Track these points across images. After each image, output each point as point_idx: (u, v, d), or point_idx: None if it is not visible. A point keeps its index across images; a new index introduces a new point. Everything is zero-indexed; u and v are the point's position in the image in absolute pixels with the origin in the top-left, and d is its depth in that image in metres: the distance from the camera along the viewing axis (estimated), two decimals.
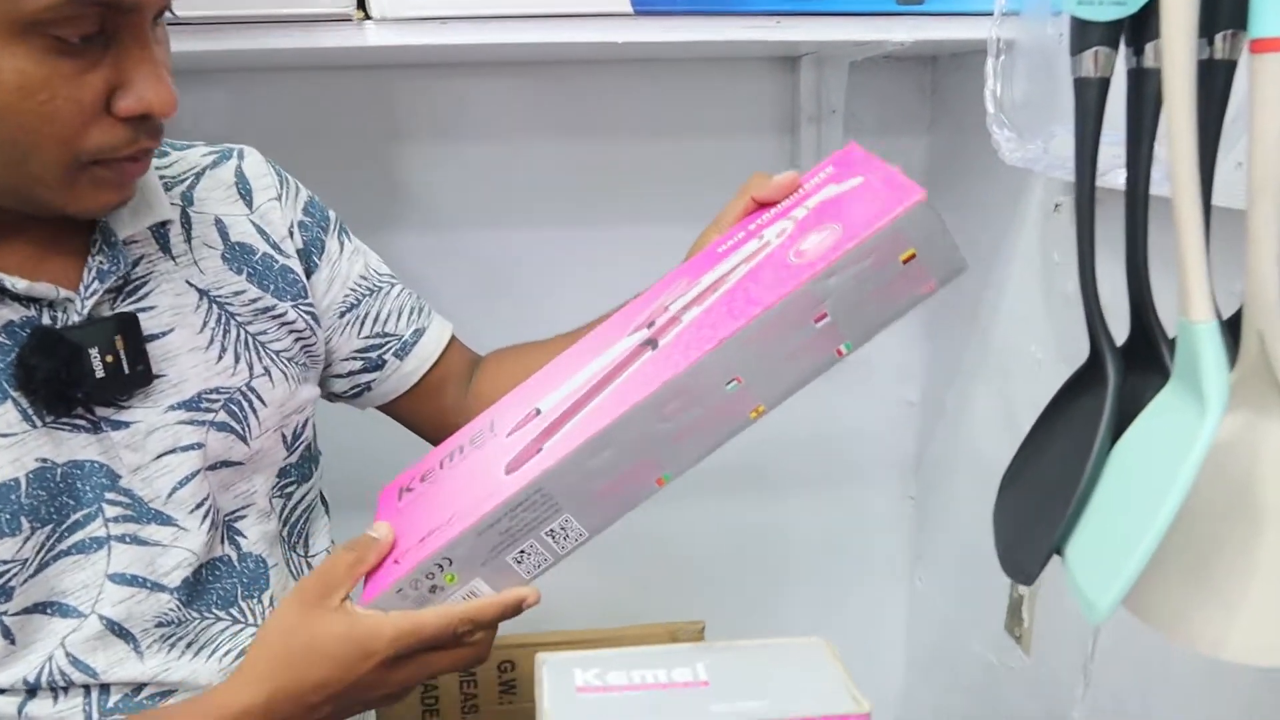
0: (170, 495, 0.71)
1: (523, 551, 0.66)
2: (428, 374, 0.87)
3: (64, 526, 0.68)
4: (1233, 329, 0.53)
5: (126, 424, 0.69)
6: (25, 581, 0.66)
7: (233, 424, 0.74)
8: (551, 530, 0.66)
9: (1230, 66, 0.53)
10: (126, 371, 0.68)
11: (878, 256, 0.62)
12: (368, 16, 0.90)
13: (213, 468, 0.74)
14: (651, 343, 0.66)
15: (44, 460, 0.66)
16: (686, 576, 1.39)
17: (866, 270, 0.62)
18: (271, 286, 0.77)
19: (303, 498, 0.82)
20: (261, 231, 0.78)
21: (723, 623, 1.37)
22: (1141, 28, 0.54)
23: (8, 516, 0.65)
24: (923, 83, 1.28)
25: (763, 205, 0.74)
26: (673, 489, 1.34)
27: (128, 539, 0.70)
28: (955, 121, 1.25)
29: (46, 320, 0.66)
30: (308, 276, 0.81)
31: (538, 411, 0.69)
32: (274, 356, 0.77)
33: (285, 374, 0.78)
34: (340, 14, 0.90)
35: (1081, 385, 0.61)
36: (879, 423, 1.38)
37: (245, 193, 0.79)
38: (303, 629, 0.65)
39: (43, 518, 0.66)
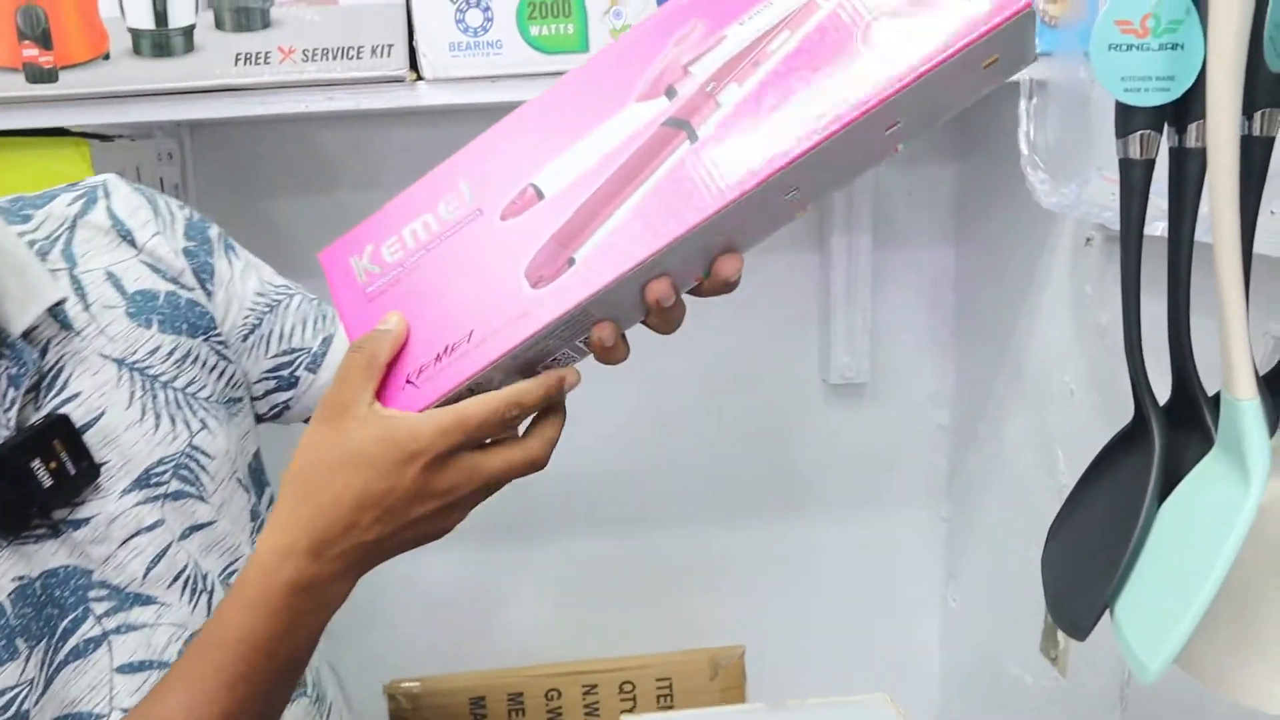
0: (146, 575, 0.70)
1: (555, 359, 0.62)
2: None
3: (57, 636, 0.67)
4: (1270, 384, 0.56)
5: (86, 520, 0.68)
6: (39, 701, 0.65)
7: (186, 489, 0.72)
8: (587, 338, 0.61)
9: (1268, 143, 0.55)
10: (73, 473, 0.66)
11: (964, 65, 0.55)
12: (420, 78, 0.94)
13: (184, 536, 0.72)
14: (684, 126, 0.58)
15: (20, 578, 0.65)
16: (725, 602, 1.42)
17: (947, 77, 0.55)
18: (184, 326, 0.74)
19: None
20: (156, 270, 0.74)
21: (762, 646, 1.40)
22: (1184, 109, 0.56)
23: (3, 643, 0.63)
24: None
25: None
26: (710, 515, 1.38)
27: (123, 629, 0.69)
28: (986, 150, 1.28)
29: None
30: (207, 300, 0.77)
31: (538, 193, 0.60)
32: (206, 405, 0.74)
33: (219, 419, 0.75)
34: (394, 76, 0.93)
35: (1127, 444, 0.64)
36: (912, 445, 1.40)
37: (125, 235, 0.73)
38: (333, 443, 0.58)
39: (35, 634, 0.65)
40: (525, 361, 0.60)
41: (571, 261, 0.57)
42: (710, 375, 1.34)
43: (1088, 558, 0.63)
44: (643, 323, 0.61)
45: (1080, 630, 0.59)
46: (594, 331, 0.59)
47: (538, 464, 0.61)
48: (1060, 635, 1.16)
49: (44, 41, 0.92)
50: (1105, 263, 1.03)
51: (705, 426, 1.35)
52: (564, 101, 0.60)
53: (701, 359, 1.31)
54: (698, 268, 0.60)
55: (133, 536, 0.69)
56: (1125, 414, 1.01)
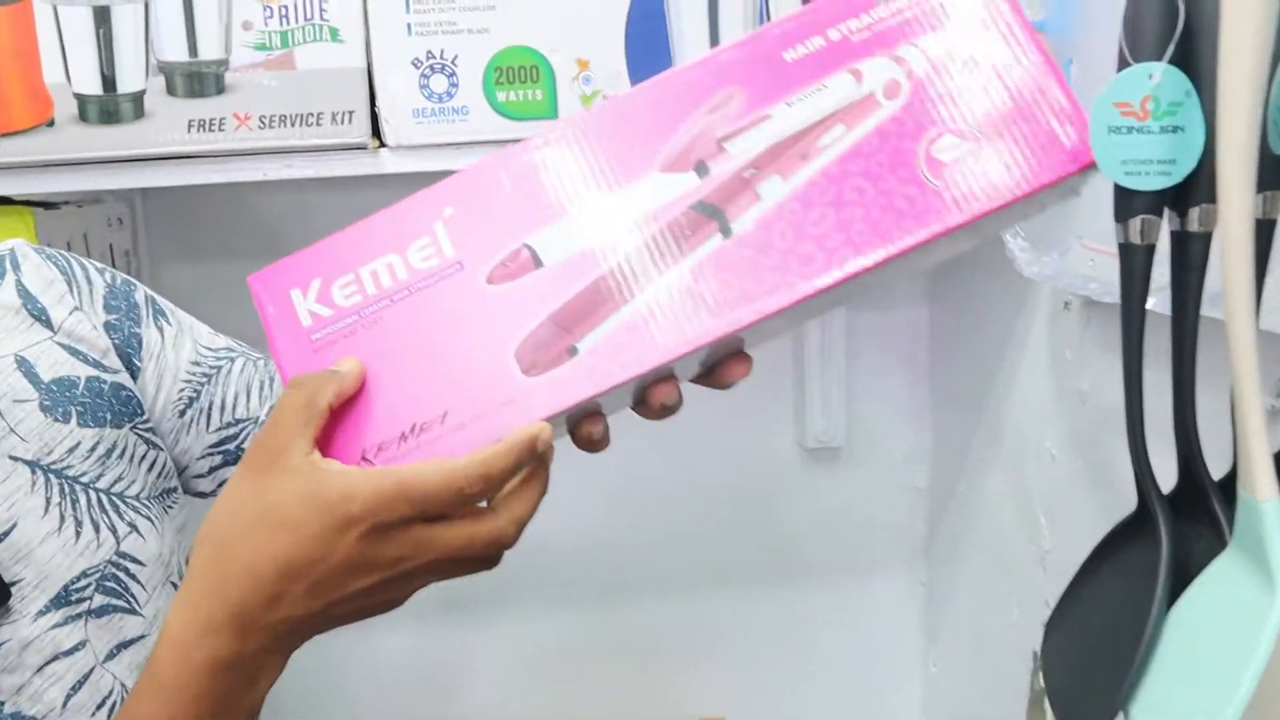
0: (66, 704, 0.62)
1: None
2: None
3: None
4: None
5: None
6: None
7: (114, 602, 0.64)
8: (573, 428, 0.55)
9: (1271, 225, 0.53)
10: None
11: (1027, 202, 0.53)
12: (383, 144, 0.91)
13: (110, 656, 0.64)
14: (717, 215, 0.52)
15: None
16: (704, 671, 1.39)
17: (1006, 212, 0.53)
18: (107, 416, 0.66)
19: None
20: (75, 352, 0.66)
21: (742, 715, 1.36)
22: (1186, 193, 0.54)
23: None
24: None
25: None
26: (685, 583, 1.34)
27: None
28: None
29: None
30: (133, 380, 0.69)
31: (535, 259, 0.52)
32: (135, 505, 0.67)
33: (152, 517, 0.67)
34: (356, 144, 0.90)
35: (1130, 535, 0.61)
36: (887, 508, 1.38)
37: (39, 313, 0.65)
38: (254, 498, 0.50)
39: None
40: None
41: (573, 351, 0.51)
42: (684, 440, 1.30)
43: (1094, 655, 0.60)
44: (631, 408, 0.56)
45: None
46: (583, 425, 0.54)
47: (504, 543, 0.52)
48: (1048, 706, 1.13)
49: None
50: (1085, 327, 1.02)
51: (679, 492, 1.32)
52: (571, 152, 0.53)
53: (675, 424, 1.27)
54: (703, 365, 0.55)
55: (50, 662, 0.62)
56: (1109, 479, 0.99)
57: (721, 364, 0.55)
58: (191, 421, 0.72)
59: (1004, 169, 0.51)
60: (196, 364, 0.72)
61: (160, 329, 0.71)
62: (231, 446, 0.74)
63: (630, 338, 0.51)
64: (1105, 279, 0.83)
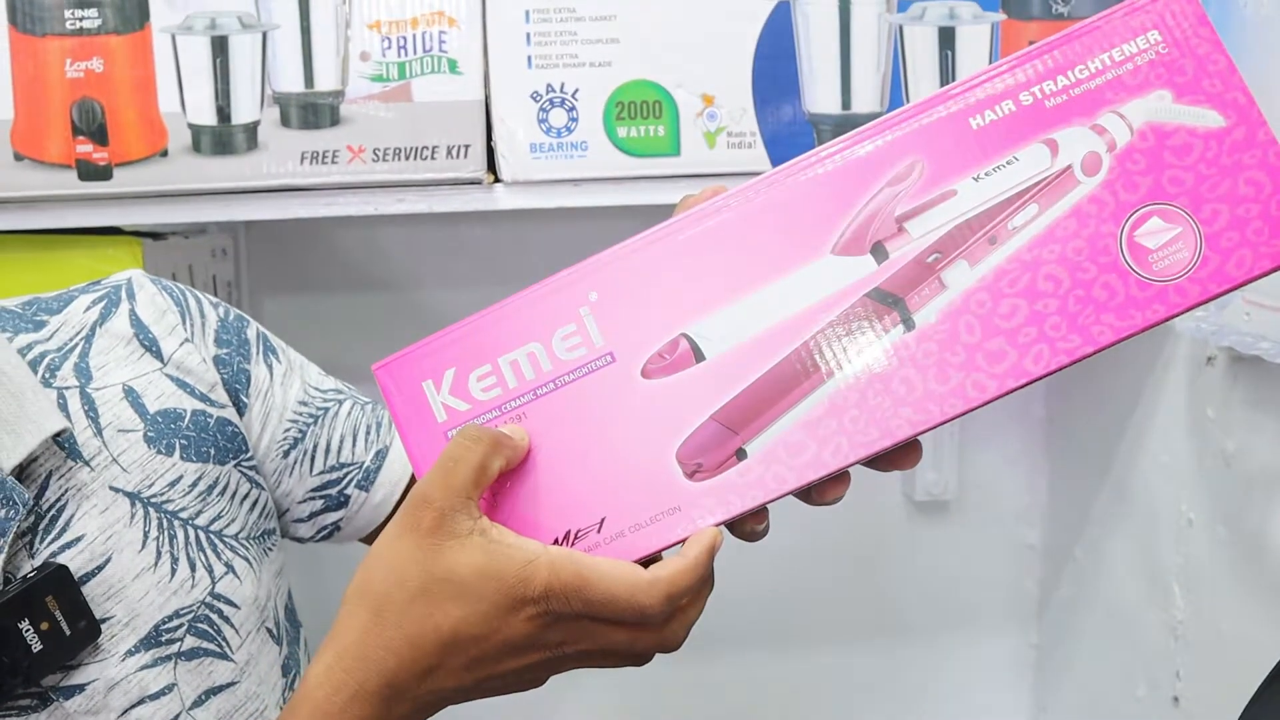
0: None
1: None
2: (403, 498, 0.71)
3: None
4: None
5: (80, 687, 0.59)
6: None
7: (205, 645, 0.63)
8: (736, 522, 0.52)
9: None
10: (68, 633, 0.57)
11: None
12: (498, 180, 0.88)
13: (198, 703, 0.62)
14: (897, 305, 0.48)
15: None
16: None
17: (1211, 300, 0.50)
18: (211, 451, 0.64)
19: None
20: (183, 385, 0.65)
21: None
22: None
23: None
24: None
25: None
26: (784, 638, 1.29)
27: None
28: None
29: None
30: (239, 417, 0.68)
31: (695, 351, 0.49)
32: (234, 545, 0.65)
33: (249, 559, 0.65)
34: (471, 179, 0.87)
35: None
36: (997, 565, 1.32)
37: (150, 344, 0.65)
38: (420, 562, 0.48)
39: None
40: None
41: (742, 454, 0.48)
42: None
43: None
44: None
45: None
46: (746, 522, 0.50)
47: (670, 647, 0.50)
48: None
49: (99, 137, 0.87)
50: (1232, 384, 0.95)
51: (782, 545, 1.26)
52: (730, 231, 0.49)
53: None
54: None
55: (135, 705, 0.60)
56: (1256, 547, 0.92)
57: (891, 453, 0.51)
58: (295, 463, 0.70)
59: (1216, 256, 0.47)
60: (304, 404, 0.71)
61: (269, 366, 0.70)
62: (334, 492, 0.72)
63: (803, 440, 0.48)
64: (1275, 337, 0.77)
